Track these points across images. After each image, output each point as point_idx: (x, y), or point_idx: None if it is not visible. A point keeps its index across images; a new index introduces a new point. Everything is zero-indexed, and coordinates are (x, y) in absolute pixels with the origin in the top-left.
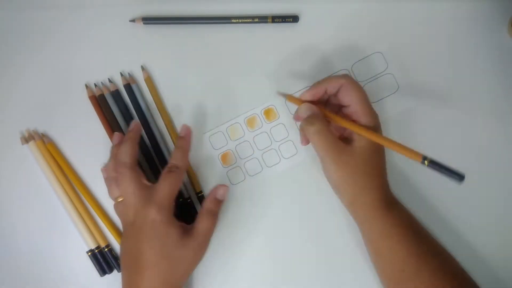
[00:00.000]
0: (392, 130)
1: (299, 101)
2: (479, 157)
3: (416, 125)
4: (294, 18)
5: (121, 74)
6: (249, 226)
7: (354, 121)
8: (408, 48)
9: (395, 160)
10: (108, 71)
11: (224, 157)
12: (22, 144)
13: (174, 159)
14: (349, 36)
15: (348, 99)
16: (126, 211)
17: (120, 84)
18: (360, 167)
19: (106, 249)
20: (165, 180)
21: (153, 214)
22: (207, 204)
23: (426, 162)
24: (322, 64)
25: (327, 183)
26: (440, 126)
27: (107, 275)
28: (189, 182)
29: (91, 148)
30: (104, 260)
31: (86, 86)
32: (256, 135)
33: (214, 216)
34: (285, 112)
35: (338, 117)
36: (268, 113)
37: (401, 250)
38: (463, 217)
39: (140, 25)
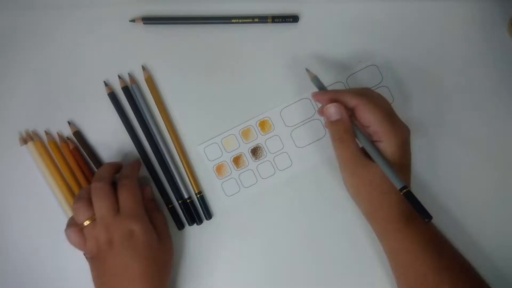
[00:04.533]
0: None
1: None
2: (480, 158)
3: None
4: (294, 18)
5: (119, 77)
6: (243, 238)
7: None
8: (406, 50)
9: None
10: (107, 71)
11: (219, 169)
12: (21, 145)
13: (123, 173)
14: (349, 37)
15: (366, 120)
16: (98, 231)
17: (118, 83)
18: (376, 183)
19: None
20: (123, 193)
21: (130, 225)
22: (147, 204)
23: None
24: (321, 66)
25: (322, 196)
26: (439, 129)
27: None
28: (189, 182)
29: (93, 147)
30: None
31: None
32: (251, 147)
33: (158, 210)
34: (280, 124)
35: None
36: (263, 124)
37: (421, 265)
38: (473, 218)
39: (140, 25)
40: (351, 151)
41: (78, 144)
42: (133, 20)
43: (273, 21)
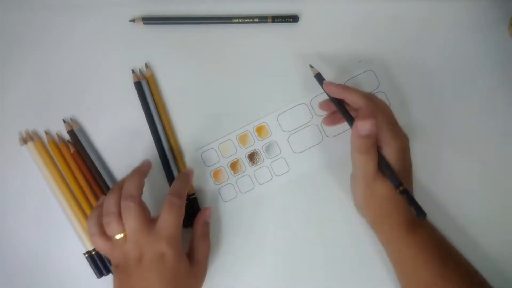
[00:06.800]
0: None
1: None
2: (480, 158)
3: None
4: (294, 18)
5: (133, 71)
6: (240, 243)
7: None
8: (405, 50)
9: None
10: (107, 71)
11: (216, 174)
12: (21, 145)
13: (174, 188)
14: (349, 37)
15: (380, 121)
16: (129, 248)
17: (118, 83)
18: (388, 196)
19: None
20: (169, 214)
21: (163, 249)
22: (199, 228)
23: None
24: (321, 66)
25: (320, 201)
26: (438, 133)
27: (104, 277)
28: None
29: (93, 147)
30: (101, 261)
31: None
32: (248, 152)
33: (207, 238)
34: (277, 129)
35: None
36: (260, 130)
37: (426, 272)
38: (472, 217)
39: (140, 25)
40: (373, 164)
41: (73, 143)
42: (133, 20)
43: (273, 21)
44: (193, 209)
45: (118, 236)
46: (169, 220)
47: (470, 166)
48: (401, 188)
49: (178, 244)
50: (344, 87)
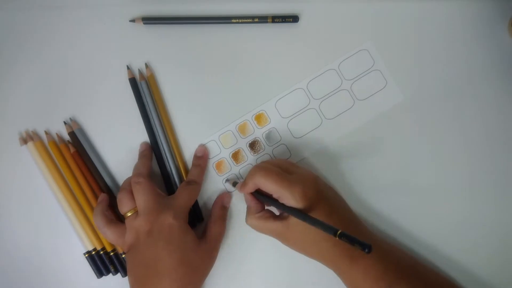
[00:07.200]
0: (382, 127)
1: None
2: (477, 158)
3: (409, 122)
4: (294, 18)
5: (128, 67)
6: (246, 233)
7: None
8: (406, 48)
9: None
10: (107, 71)
11: (219, 166)
12: (21, 145)
13: (192, 175)
14: (349, 37)
15: (267, 190)
16: (140, 221)
17: (117, 83)
18: (300, 239)
19: (102, 252)
20: (183, 191)
21: (170, 220)
22: (216, 211)
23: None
24: (321, 65)
25: None
26: (435, 125)
27: (104, 277)
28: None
29: (93, 146)
30: (101, 261)
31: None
32: (249, 141)
33: (223, 221)
34: (276, 116)
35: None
36: (259, 118)
37: None
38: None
39: (140, 25)
40: (266, 227)
41: (74, 144)
42: (133, 20)
43: (273, 21)
44: (194, 212)
45: (130, 213)
46: (181, 196)
47: (464, 163)
48: (338, 233)
49: (185, 218)
50: (242, 185)
